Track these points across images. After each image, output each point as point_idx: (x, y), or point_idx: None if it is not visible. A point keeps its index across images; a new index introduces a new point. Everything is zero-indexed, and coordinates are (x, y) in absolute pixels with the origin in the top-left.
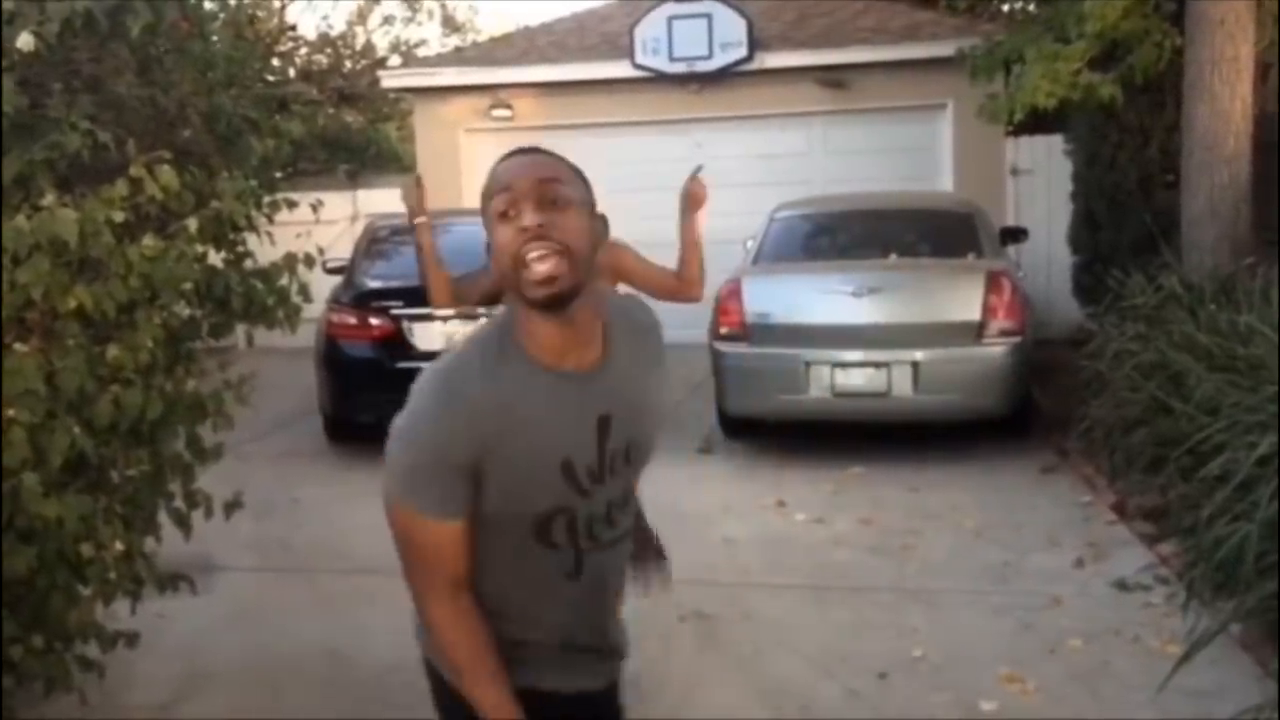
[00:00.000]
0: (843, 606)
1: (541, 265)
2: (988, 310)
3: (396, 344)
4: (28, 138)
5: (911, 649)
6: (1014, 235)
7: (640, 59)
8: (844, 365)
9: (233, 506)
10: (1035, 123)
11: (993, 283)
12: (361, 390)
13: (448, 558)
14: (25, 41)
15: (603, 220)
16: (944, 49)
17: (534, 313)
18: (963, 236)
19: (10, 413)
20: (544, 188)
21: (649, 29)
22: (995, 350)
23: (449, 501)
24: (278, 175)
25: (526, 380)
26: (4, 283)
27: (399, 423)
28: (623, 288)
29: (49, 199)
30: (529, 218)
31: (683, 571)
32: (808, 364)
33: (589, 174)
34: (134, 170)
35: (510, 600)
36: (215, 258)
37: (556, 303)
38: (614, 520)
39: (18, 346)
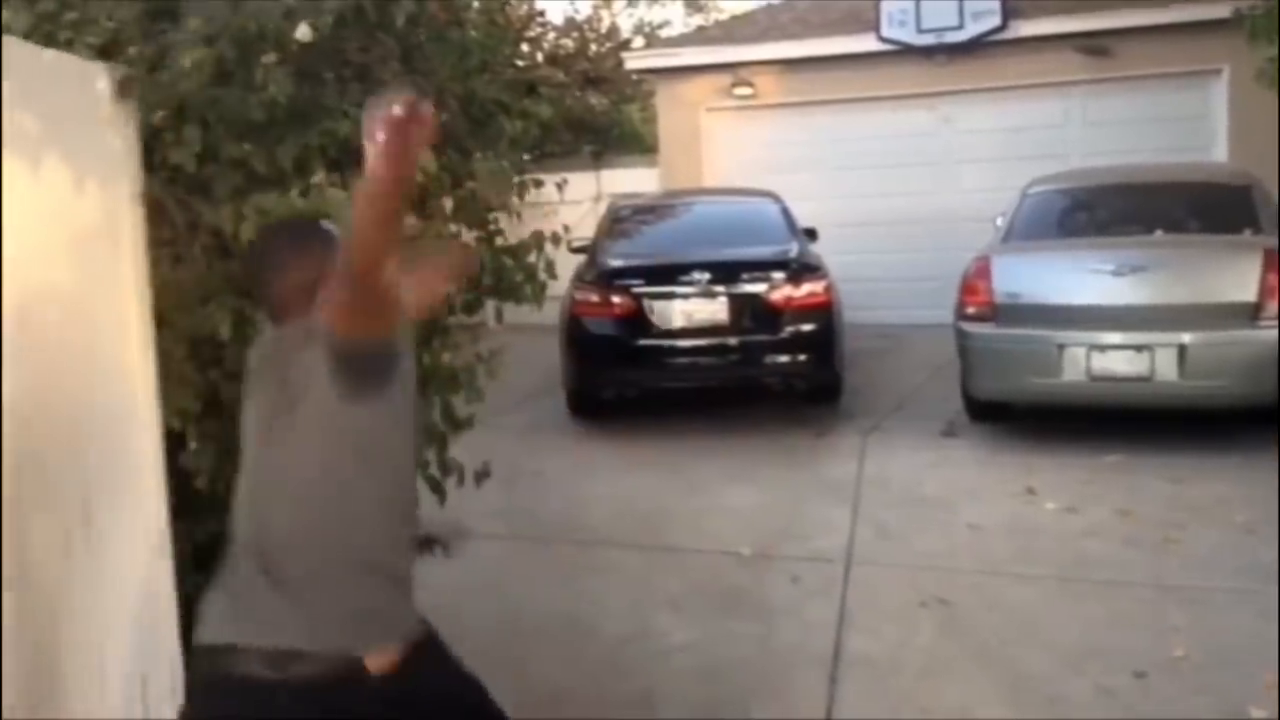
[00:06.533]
0: (1095, 600)
1: None
2: (1265, 290)
3: (638, 322)
4: (303, 124)
5: (1172, 648)
6: None
7: (886, 31)
8: (1102, 348)
9: (482, 476)
10: None
11: (1272, 261)
12: (604, 367)
13: None
14: (303, 33)
15: None
16: (1219, 10)
17: None
18: (1238, 211)
19: None
20: None
21: (896, 1)
22: (1273, 334)
23: None
24: (525, 157)
25: None
26: None
27: None
28: None
29: (319, 178)
30: None
31: (923, 557)
32: (1061, 346)
33: (820, 151)
34: None
35: None
36: (467, 236)
37: None
38: None
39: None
